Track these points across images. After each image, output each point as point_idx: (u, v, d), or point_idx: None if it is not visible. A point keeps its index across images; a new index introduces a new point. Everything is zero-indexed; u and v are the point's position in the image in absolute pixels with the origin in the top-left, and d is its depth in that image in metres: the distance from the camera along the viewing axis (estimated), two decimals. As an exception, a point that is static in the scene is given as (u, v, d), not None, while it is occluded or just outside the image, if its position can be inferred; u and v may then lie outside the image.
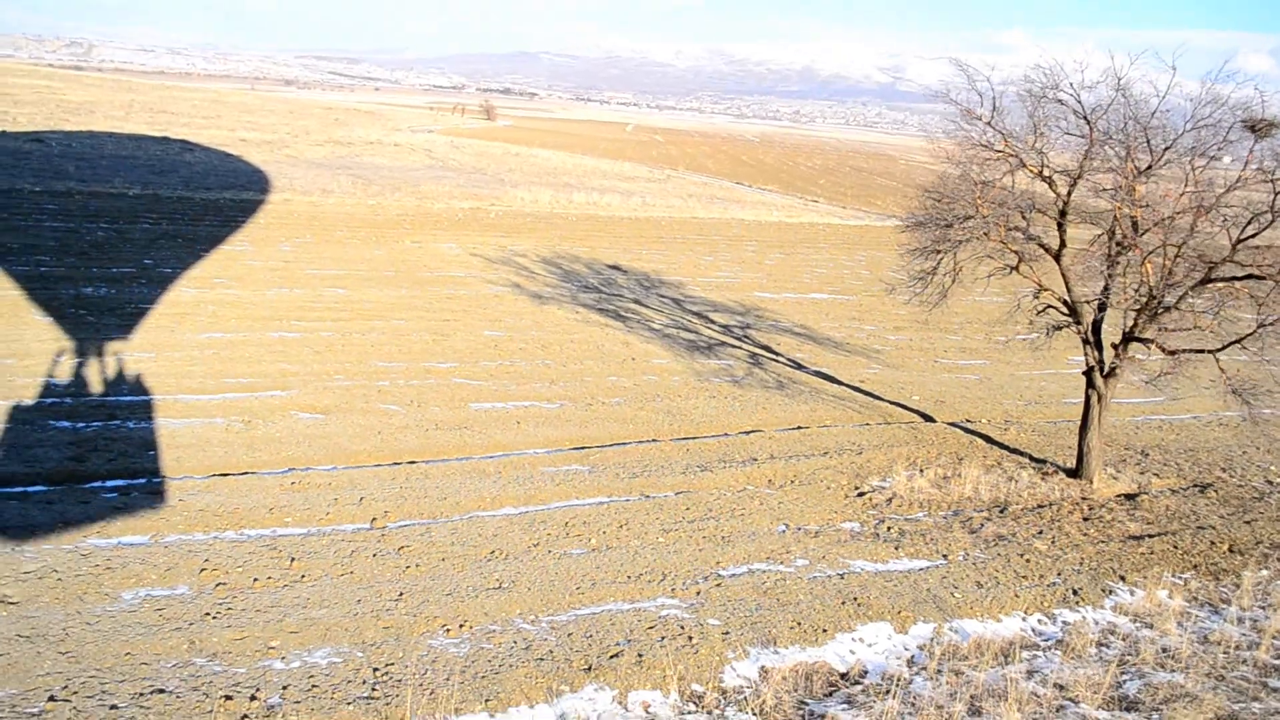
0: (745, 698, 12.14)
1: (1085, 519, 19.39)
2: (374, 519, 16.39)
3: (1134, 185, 19.71)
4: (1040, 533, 18.43)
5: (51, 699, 10.82)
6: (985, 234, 20.64)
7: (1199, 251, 19.71)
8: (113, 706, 10.79)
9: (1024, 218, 21.21)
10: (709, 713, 11.86)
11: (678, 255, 49.30)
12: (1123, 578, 16.87)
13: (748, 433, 22.93)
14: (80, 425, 19.38)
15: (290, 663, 11.98)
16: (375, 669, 12.00)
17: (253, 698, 11.18)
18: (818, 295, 42.58)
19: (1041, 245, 21.27)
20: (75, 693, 10.97)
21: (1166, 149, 19.66)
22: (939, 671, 13.07)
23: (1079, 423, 21.66)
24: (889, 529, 17.98)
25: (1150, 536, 18.73)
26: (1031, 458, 22.91)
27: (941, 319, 37.83)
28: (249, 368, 23.93)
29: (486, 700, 11.55)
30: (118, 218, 42.62)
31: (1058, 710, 12.20)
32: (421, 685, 11.63)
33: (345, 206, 53.28)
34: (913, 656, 13.76)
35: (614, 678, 12.26)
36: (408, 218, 51.92)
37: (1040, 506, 19.89)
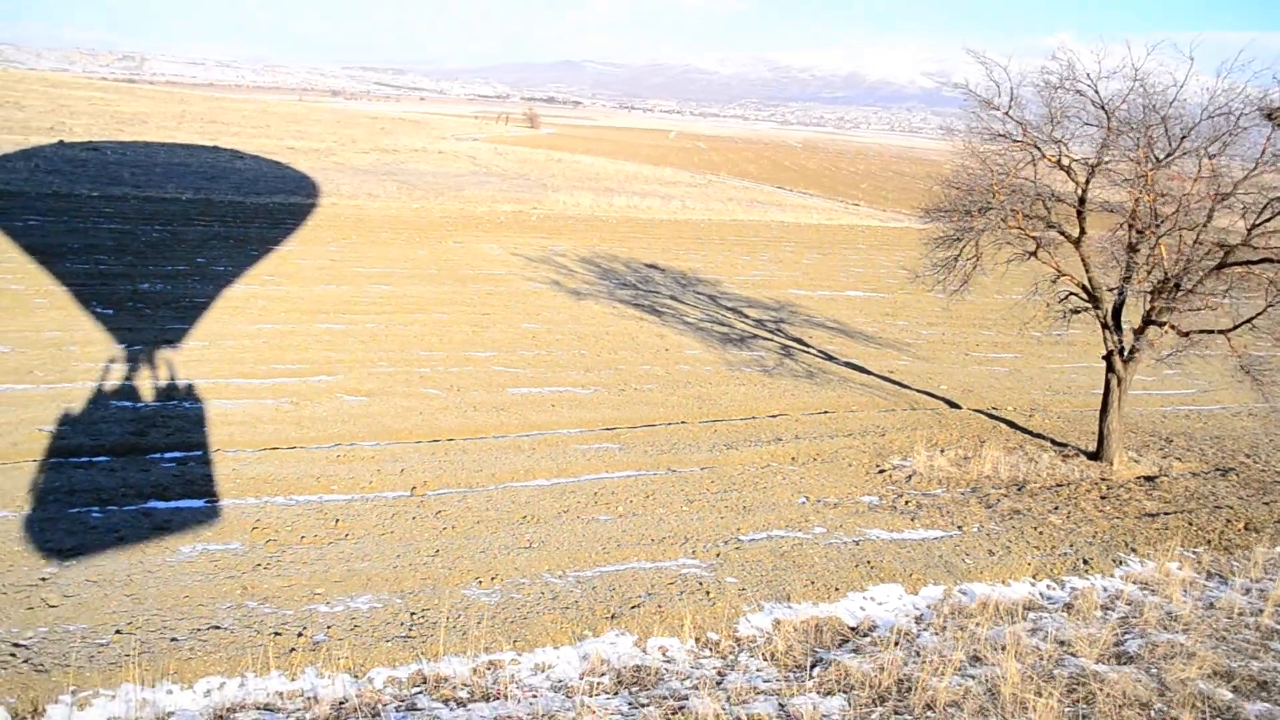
0: (758, 645, 12.91)
1: (1103, 497, 19.87)
2: (414, 487, 17.37)
3: (1151, 174, 20.20)
4: (1056, 508, 18.97)
5: (118, 632, 11.88)
6: (1004, 220, 21.22)
7: (1217, 239, 20.17)
8: (173, 639, 11.81)
9: (1045, 206, 21.76)
10: (723, 657, 12.65)
11: (715, 255, 50.04)
12: (1134, 550, 17.35)
13: (774, 416, 23.66)
14: (139, 405, 20.57)
15: (334, 607, 12.95)
16: (412, 613, 12.94)
17: (299, 634, 12.16)
18: (853, 293, 43.12)
19: (1061, 233, 21.81)
20: (139, 627, 12.01)
21: (1184, 138, 20.12)
22: (944, 627, 13.73)
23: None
24: (906, 503, 18.64)
25: (1166, 514, 19.16)
26: (1054, 441, 23.40)
27: (976, 315, 38.38)
28: (298, 355, 25.06)
29: (514, 641, 12.44)
30: (171, 220, 44.19)
31: (1057, 663, 12.81)
32: (454, 627, 12.54)
33: (390, 210, 54.64)
34: (921, 614, 14.42)
35: (634, 624, 13.10)
36: (450, 220, 53.14)
37: (1058, 486, 20.41)
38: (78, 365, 22.63)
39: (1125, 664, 12.89)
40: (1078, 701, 11.75)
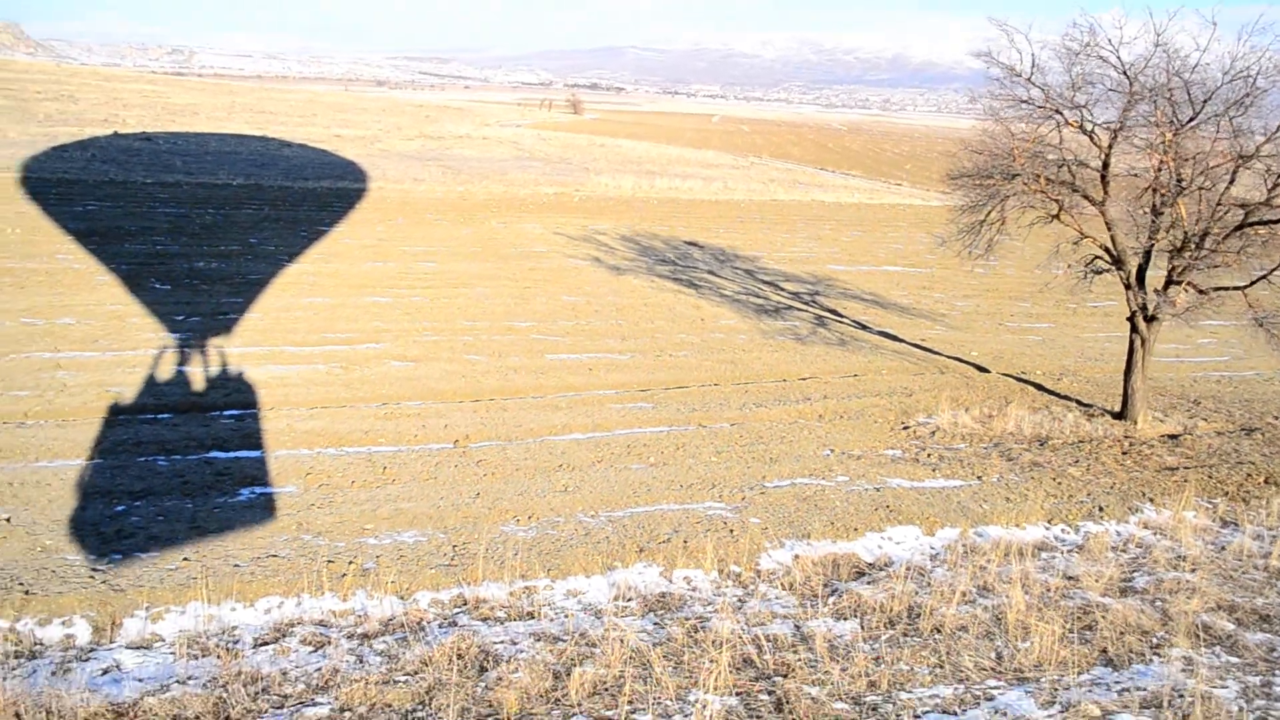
0: (777, 576, 13.72)
1: (1124, 453, 20.35)
2: (456, 440, 18.37)
3: (1172, 137, 20.57)
4: (1076, 462, 19.53)
5: (185, 559, 12.98)
6: (1027, 185, 21.70)
7: (1238, 200, 20.55)
8: (235, 565, 12.89)
9: (1070, 172, 22.18)
10: (744, 587, 13.47)
11: (755, 233, 50.61)
12: (1151, 500, 17.85)
13: (805, 379, 24.40)
14: (198, 369, 21.77)
15: (382, 540, 13.97)
16: (454, 546, 13.93)
17: (351, 562, 13.20)
18: (890, 268, 43.55)
19: (1086, 196, 22.23)
20: (205, 555, 13.11)
21: (1205, 101, 20.47)
22: (957, 564, 14.43)
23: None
24: (929, 456, 19.31)
25: (1186, 468, 19.62)
26: (1079, 403, 23.89)
27: (1013, 288, 38.75)
28: (347, 325, 26.19)
29: (549, 570, 13.38)
30: (224, 204, 45.61)
31: (1063, 595, 13.48)
32: (493, 557, 13.48)
33: (435, 193, 55.79)
34: (936, 553, 15.12)
35: (661, 558, 13.98)
36: (494, 203, 54.18)
37: (1081, 442, 20.90)
38: (139, 335, 23.89)
39: (1130, 597, 13.52)
40: (1081, 628, 12.42)
